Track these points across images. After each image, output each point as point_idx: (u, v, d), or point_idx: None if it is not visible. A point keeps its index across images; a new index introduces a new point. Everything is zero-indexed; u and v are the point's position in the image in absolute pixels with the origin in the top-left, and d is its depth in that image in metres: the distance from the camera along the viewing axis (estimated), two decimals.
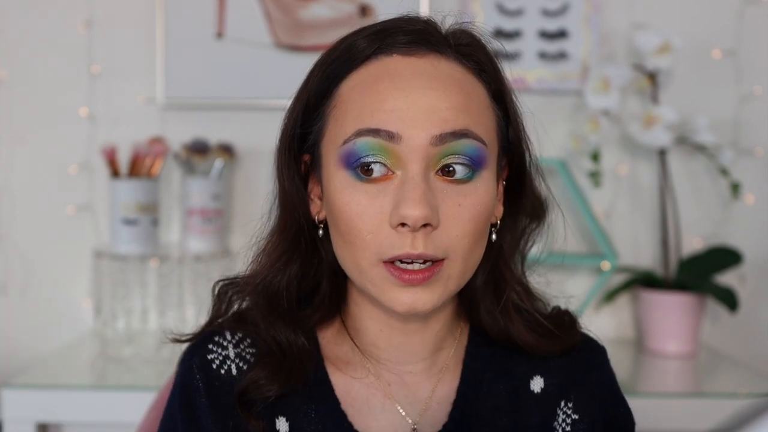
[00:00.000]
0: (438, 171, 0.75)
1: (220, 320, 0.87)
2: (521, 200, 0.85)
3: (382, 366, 0.84)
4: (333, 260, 0.83)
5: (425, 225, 0.73)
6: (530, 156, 0.83)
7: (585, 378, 0.87)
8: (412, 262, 0.74)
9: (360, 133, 0.74)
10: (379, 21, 0.80)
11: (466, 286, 0.82)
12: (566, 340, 0.87)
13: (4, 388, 1.43)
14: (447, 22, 0.81)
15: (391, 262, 0.74)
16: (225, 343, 0.85)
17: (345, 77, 0.78)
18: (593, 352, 0.90)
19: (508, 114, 0.81)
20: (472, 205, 0.75)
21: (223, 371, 0.83)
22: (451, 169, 0.74)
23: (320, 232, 0.83)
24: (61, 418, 1.45)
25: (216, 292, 0.88)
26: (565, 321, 0.88)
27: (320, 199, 0.82)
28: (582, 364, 0.88)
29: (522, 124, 0.83)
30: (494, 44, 0.83)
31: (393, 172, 0.74)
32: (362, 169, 0.74)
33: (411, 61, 0.76)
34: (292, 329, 0.82)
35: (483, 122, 0.77)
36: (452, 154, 0.74)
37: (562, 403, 0.86)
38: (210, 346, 0.85)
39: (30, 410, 1.43)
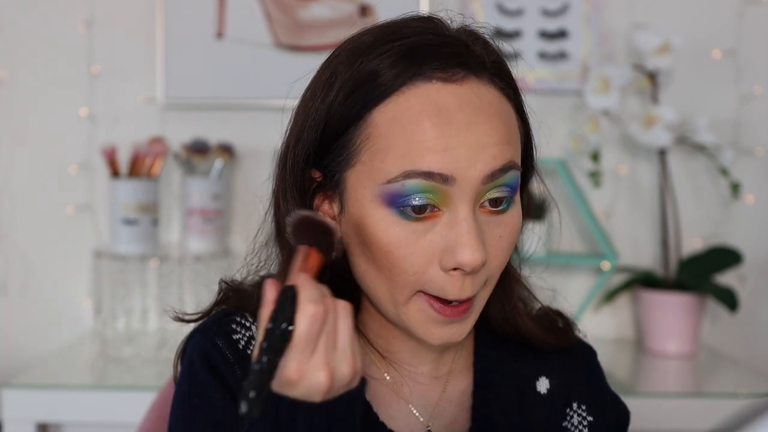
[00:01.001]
0: (483, 204, 0.74)
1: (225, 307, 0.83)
2: (522, 198, 0.85)
3: (394, 367, 0.84)
4: (345, 272, 0.80)
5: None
6: (535, 156, 0.83)
7: (589, 380, 0.89)
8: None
9: (409, 174, 0.71)
10: (391, 24, 0.77)
11: None
12: (569, 336, 0.88)
13: (4, 388, 1.43)
14: (453, 20, 0.79)
15: (427, 294, 0.73)
16: (248, 324, 0.81)
17: (377, 104, 0.73)
18: (589, 354, 0.91)
19: (525, 124, 0.81)
20: (509, 234, 0.75)
21: (250, 352, 0.79)
22: (498, 202, 0.74)
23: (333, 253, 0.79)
24: (61, 418, 1.45)
25: (219, 296, 0.84)
26: (557, 320, 0.89)
27: (334, 219, 0.78)
28: (582, 366, 0.89)
29: (532, 136, 0.82)
30: (503, 46, 0.81)
31: (440, 210, 0.72)
32: (411, 209, 0.72)
33: (452, 90, 0.72)
34: None
35: (517, 147, 0.76)
36: (498, 187, 0.73)
37: (575, 405, 0.86)
38: (233, 326, 0.80)
39: (30, 410, 1.43)
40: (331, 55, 0.79)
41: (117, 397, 1.45)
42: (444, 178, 0.71)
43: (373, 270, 0.75)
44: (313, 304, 0.64)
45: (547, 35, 1.83)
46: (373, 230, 0.73)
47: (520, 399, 0.85)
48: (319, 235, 0.70)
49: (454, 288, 0.72)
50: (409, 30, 0.76)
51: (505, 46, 0.83)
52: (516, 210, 0.76)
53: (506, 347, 0.87)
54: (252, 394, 0.60)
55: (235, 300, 0.83)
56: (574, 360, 0.89)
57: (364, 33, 0.77)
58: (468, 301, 0.74)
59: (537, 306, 0.89)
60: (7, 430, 1.43)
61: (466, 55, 0.74)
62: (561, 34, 1.83)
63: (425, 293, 0.74)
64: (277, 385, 0.65)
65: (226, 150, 1.74)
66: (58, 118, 1.83)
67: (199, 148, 1.72)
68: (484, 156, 0.71)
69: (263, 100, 1.77)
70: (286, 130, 0.81)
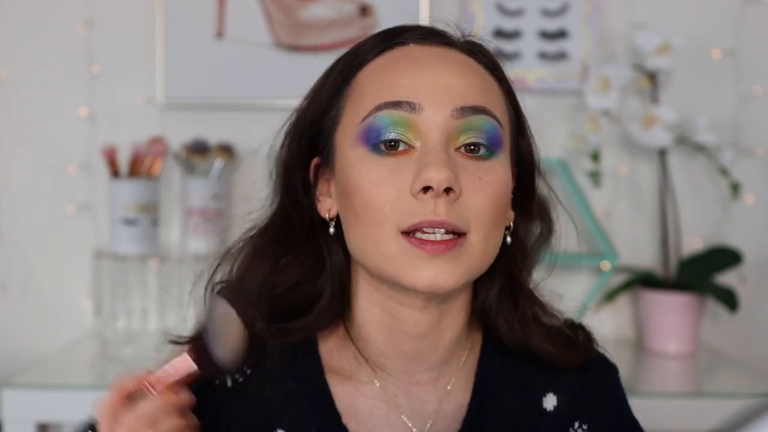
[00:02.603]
0: (459, 148, 0.75)
1: None
2: (531, 210, 0.84)
3: (387, 376, 0.81)
4: (339, 264, 0.82)
5: (448, 191, 0.71)
6: (539, 167, 0.83)
7: (599, 398, 0.86)
8: (434, 232, 0.72)
9: (380, 107, 0.74)
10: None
11: (481, 296, 0.82)
12: (584, 351, 0.86)
13: (4, 388, 1.43)
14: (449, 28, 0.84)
15: (411, 234, 0.72)
16: None
17: (362, 67, 0.79)
18: (607, 371, 0.88)
19: (520, 122, 0.82)
20: (492, 181, 0.75)
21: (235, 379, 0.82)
22: (473, 147, 0.75)
23: (331, 230, 0.81)
24: (61, 418, 1.45)
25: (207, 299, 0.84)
26: (579, 335, 0.87)
27: (329, 196, 0.81)
28: (595, 383, 0.86)
29: (532, 135, 0.83)
30: (498, 50, 0.85)
31: (413, 147, 0.74)
32: (383, 145, 0.74)
33: (426, 49, 0.78)
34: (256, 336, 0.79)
35: (498, 107, 0.78)
36: (472, 130, 0.74)
37: (576, 424, 0.84)
38: None
39: (30, 410, 1.43)
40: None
41: None
42: (411, 106, 0.74)
43: (355, 218, 0.75)
44: (108, 398, 0.70)
45: (547, 35, 1.83)
46: (350, 172, 0.75)
47: (523, 415, 0.83)
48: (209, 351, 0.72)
49: (426, 210, 0.71)
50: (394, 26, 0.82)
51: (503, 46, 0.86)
52: (501, 165, 0.76)
53: (514, 361, 0.85)
54: None
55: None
56: (588, 376, 0.86)
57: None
58: (452, 240, 0.72)
59: (555, 319, 0.87)
60: (7, 430, 1.43)
61: (442, 34, 0.80)
62: (561, 34, 1.83)
63: (406, 235, 0.72)
64: None
65: (226, 150, 1.74)
66: (58, 118, 1.83)
67: (199, 148, 1.72)
68: (453, 93, 0.75)
69: (263, 100, 1.77)
70: (286, 132, 0.83)
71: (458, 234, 0.73)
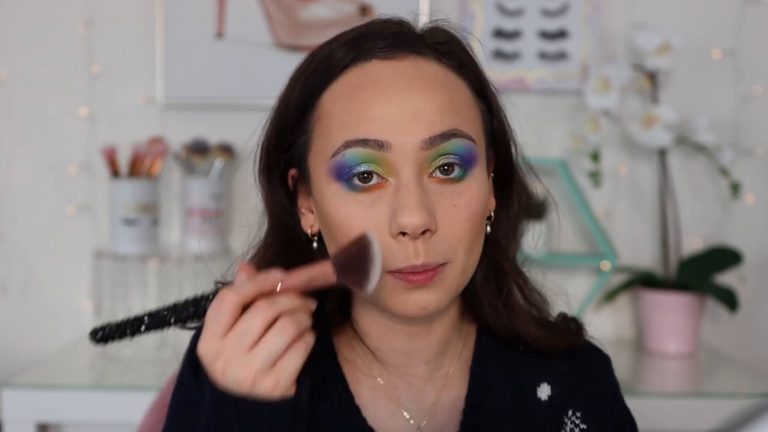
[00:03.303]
0: (432, 173, 0.74)
1: None
2: (510, 191, 0.84)
3: (387, 370, 0.83)
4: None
5: (424, 231, 0.72)
6: (515, 146, 0.83)
7: (591, 387, 0.87)
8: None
9: (348, 144, 0.73)
10: (354, 27, 0.80)
11: (468, 284, 0.82)
12: (571, 336, 0.87)
13: (4, 388, 1.43)
14: (421, 22, 0.81)
15: (395, 271, 0.74)
16: None
17: (325, 88, 0.77)
18: (599, 360, 0.89)
19: (491, 106, 0.81)
20: (467, 204, 0.75)
21: None
22: (446, 168, 0.74)
23: (314, 245, 0.81)
24: (61, 418, 1.45)
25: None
26: (571, 327, 0.88)
27: (311, 212, 0.81)
28: (588, 372, 0.87)
29: (505, 115, 0.82)
30: (470, 39, 0.82)
31: (386, 180, 0.73)
32: (356, 178, 0.73)
33: (390, 65, 0.75)
34: None
35: (469, 119, 0.77)
36: (442, 155, 0.74)
37: (570, 412, 0.85)
38: None
39: (30, 410, 1.43)
40: (296, 67, 0.82)
41: (117, 397, 1.45)
42: (380, 144, 0.72)
43: None
44: (233, 292, 0.67)
45: (547, 35, 1.83)
46: (328, 208, 0.75)
47: (518, 406, 0.84)
48: (357, 264, 0.70)
49: (407, 255, 0.72)
50: (365, 25, 0.79)
51: (472, 39, 0.83)
52: (475, 183, 0.76)
53: (509, 352, 0.86)
54: (108, 329, 0.68)
55: None
56: (580, 365, 0.87)
57: (324, 42, 0.81)
58: (432, 270, 0.73)
59: (548, 310, 0.88)
60: (7, 430, 1.43)
61: (409, 37, 0.77)
62: (561, 34, 1.83)
63: (390, 273, 0.73)
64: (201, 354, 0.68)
65: (226, 150, 1.74)
66: (58, 118, 1.83)
67: (199, 148, 1.72)
68: (421, 122, 0.73)
69: (263, 100, 1.76)
70: (260, 140, 0.84)
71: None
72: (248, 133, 0.86)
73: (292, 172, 0.81)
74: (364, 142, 0.73)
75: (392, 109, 0.73)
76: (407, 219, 0.71)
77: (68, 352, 1.70)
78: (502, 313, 0.84)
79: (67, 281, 1.83)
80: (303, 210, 0.82)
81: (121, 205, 1.66)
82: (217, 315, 0.66)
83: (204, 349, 0.67)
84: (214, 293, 0.68)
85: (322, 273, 0.69)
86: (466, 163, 0.75)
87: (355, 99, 0.74)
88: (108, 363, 1.62)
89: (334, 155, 0.74)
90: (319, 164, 0.76)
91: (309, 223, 0.81)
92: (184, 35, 1.80)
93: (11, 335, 1.83)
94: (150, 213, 1.68)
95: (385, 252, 0.72)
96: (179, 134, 1.79)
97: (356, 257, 0.69)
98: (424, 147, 0.73)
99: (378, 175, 0.73)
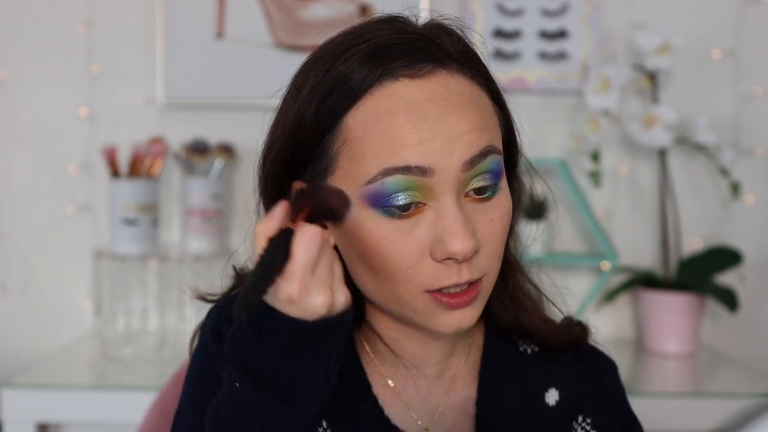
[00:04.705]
0: (468, 193, 0.74)
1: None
2: (514, 187, 0.84)
3: (397, 371, 0.83)
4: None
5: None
6: (518, 141, 0.83)
7: (600, 393, 0.87)
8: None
9: (387, 172, 0.71)
10: (358, 28, 0.78)
11: None
12: (575, 335, 0.87)
13: (4, 388, 1.43)
14: (418, 16, 0.79)
15: (436, 290, 0.73)
16: None
17: (349, 109, 0.73)
18: (607, 366, 0.89)
19: (504, 110, 0.81)
20: (500, 217, 0.75)
21: None
22: (482, 189, 0.74)
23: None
24: (61, 418, 1.45)
25: (235, 281, 0.86)
26: (576, 330, 0.88)
27: (325, 227, 0.77)
28: (595, 378, 0.87)
29: (511, 113, 0.82)
30: (472, 35, 0.81)
31: (425, 204, 0.72)
32: (395, 209, 0.72)
33: (420, 85, 0.73)
34: None
35: (495, 131, 0.76)
36: (480, 175, 0.73)
37: (580, 418, 0.85)
38: None
39: (30, 410, 1.43)
40: (300, 66, 0.79)
41: (117, 397, 1.45)
42: (422, 171, 0.71)
43: (370, 273, 0.75)
44: (312, 229, 0.66)
45: (547, 35, 1.83)
46: (361, 232, 0.73)
47: (526, 410, 0.84)
48: (325, 201, 0.69)
49: (451, 275, 0.72)
50: (374, 32, 0.76)
51: (478, 38, 0.82)
52: (503, 195, 0.76)
53: (517, 356, 0.86)
54: (243, 299, 0.64)
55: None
56: (588, 371, 0.87)
57: (331, 40, 0.78)
58: (473, 288, 0.74)
59: (539, 291, 0.88)
60: (7, 430, 1.43)
61: (431, 49, 0.75)
62: (561, 34, 1.82)
63: (430, 291, 0.73)
64: (275, 301, 0.66)
65: (226, 150, 1.74)
66: (58, 118, 1.83)
67: (199, 148, 1.72)
68: (460, 144, 0.72)
69: (263, 100, 1.75)
70: (264, 141, 0.82)
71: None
72: (248, 133, 0.85)
73: (298, 185, 0.78)
74: (406, 170, 0.71)
75: (431, 134, 0.71)
76: (458, 246, 0.71)
77: (68, 352, 1.70)
78: (508, 306, 0.85)
79: (67, 281, 1.83)
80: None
81: (121, 205, 1.66)
82: (309, 252, 0.65)
83: (297, 291, 0.65)
84: (278, 238, 0.66)
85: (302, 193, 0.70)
86: (496, 178, 0.75)
87: (389, 125, 0.72)
88: (108, 363, 1.62)
89: (369, 182, 0.72)
90: (348, 189, 0.73)
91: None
92: (184, 35, 1.80)
93: (11, 335, 1.83)
94: (150, 213, 1.68)
95: (427, 274, 0.72)
96: (179, 134, 1.79)
97: (328, 198, 0.70)
98: (465, 168, 0.72)
99: (416, 203, 0.72)
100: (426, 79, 0.74)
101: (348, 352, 0.82)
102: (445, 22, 0.79)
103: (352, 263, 0.77)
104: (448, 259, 0.72)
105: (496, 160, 0.74)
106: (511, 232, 0.84)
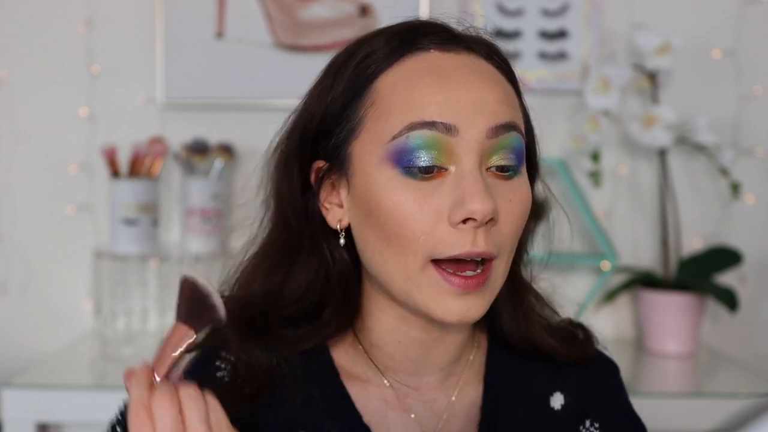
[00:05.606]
0: (490, 168, 0.73)
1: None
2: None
3: (398, 378, 0.81)
4: (345, 271, 0.80)
5: (489, 220, 0.71)
6: (538, 153, 0.83)
7: (605, 396, 0.86)
8: (463, 267, 0.72)
9: (413, 126, 0.71)
10: (391, 24, 0.79)
11: None
12: (585, 347, 0.86)
13: (4, 388, 1.43)
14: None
15: (441, 264, 0.72)
16: (231, 358, 0.80)
17: (380, 74, 0.75)
18: (610, 370, 0.89)
19: (528, 120, 0.81)
20: (520, 201, 0.74)
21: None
22: (504, 166, 0.73)
23: (342, 240, 0.79)
24: (61, 418, 1.45)
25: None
26: (578, 334, 0.87)
27: (340, 206, 0.78)
28: (600, 382, 0.87)
29: (532, 124, 0.82)
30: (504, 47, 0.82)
31: (446, 169, 0.72)
32: (417, 169, 0.71)
33: (450, 57, 0.75)
34: (268, 349, 0.78)
35: (518, 115, 0.77)
36: (503, 149, 0.73)
37: (587, 422, 0.84)
38: (217, 363, 0.81)
39: (30, 410, 1.43)
40: (331, 59, 0.80)
41: (117, 397, 1.43)
42: (447, 128, 0.71)
43: (381, 242, 0.73)
44: (138, 406, 0.65)
45: (547, 35, 1.83)
46: (379, 194, 0.73)
47: (531, 414, 0.83)
48: (199, 307, 0.69)
49: (465, 241, 0.70)
50: (409, 21, 0.79)
51: (504, 46, 0.83)
52: (524, 181, 0.76)
53: (521, 360, 0.85)
54: None
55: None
56: (593, 375, 0.87)
57: (362, 36, 0.80)
58: (482, 275, 0.72)
59: (556, 317, 0.87)
60: (7, 430, 1.43)
61: (460, 35, 0.77)
62: (561, 34, 1.83)
63: (437, 264, 0.72)
64: None
65: (226, 150, 1.74)
66: (58, 118, 1.83)
67: (199, 148, 1.72)
68: (486, 111, 0.72)
69: (263, 100, 1.77)
70: (285, 132, 0.81)
71: (486, 261, 0.73)
72: (248, 133, 0.85)
73: (319, 164, 0.78)
74: (431, 125, 0.71)
75: (458, 96, 0.72)
76: (477, 205, 0.69)
77: (68, 352, 1.70)
78: (520, 323, 0.83)
79: (67, 281, 1.83)
80: (327, 205, 0.79)
81: (121, 205, 1.66)
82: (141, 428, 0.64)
83: None
84: (122, 412, 0.68)
85: (179, 334, 0.68)
86: (520, 162, 0.74)
87: (418, 83, 0.72)
88: (108, 363, 1.62)
89: (394, 138, 0.72)
90: (370, 150, 0.73)
91: (337, 217, 0.78)
92: (184, 35, 1.80)
93: (11, 335, 1.83)
94: (150, 213, 1.68)
95: (440, 241, 0.71)
96: (179, 134, 1.79)
97: (193, 300, 0.68)
98: (490, 135, 0.72)
99: (438, 166, 0.71)
100: (455, 54, 0.75)
101: (329, 378, 0.80)
102: (482, 36, 0.80)
103: (364, 233, 0.76)
104: (465, 222, 0.70)
105: (519, 140, 0.74)
106: (524, 242, 0.84)
